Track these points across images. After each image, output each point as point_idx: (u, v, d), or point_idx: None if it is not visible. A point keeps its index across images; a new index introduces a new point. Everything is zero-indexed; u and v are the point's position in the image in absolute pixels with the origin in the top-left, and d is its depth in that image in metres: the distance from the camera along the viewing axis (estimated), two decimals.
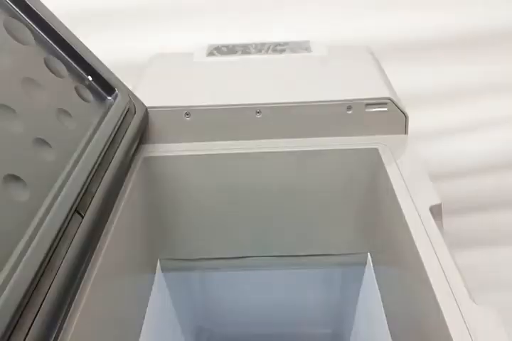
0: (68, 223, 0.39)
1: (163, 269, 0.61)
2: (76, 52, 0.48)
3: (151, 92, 0.59)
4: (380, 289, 0.55)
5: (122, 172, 0.52)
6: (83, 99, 0.48)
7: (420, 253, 0.39)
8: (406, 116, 0.55)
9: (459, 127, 0.87)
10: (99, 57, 0.51)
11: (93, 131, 0.47)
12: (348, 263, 0.63)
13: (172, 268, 0.62)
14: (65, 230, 0.38)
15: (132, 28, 0.80)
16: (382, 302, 0.54)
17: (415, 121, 0.57)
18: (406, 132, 0.56)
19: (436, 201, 0.45)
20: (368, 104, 0.55)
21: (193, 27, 0.79)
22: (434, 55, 0.82)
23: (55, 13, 0.48)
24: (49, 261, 0.35)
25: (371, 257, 0.60)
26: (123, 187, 0.51)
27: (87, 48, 0.50)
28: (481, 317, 0.33)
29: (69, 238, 0.38)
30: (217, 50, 0.69)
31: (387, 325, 0.51)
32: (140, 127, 0.55)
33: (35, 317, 0.31)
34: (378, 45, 0.71)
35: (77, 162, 0.45)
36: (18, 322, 0.30)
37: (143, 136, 0.56)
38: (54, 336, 0.32)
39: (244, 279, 0.82)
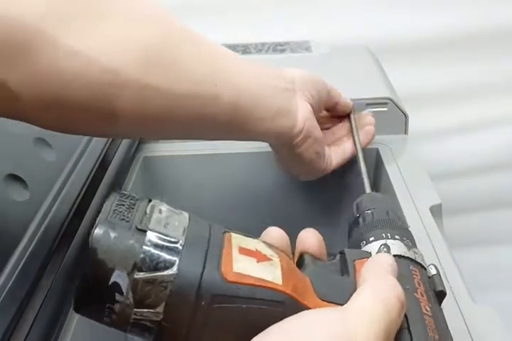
0: (69, 223, 0.39)
1: None
2: None
3: None
4: None
5: (122, 171, 0.52)
6: None
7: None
8: (406, 116, 0.55)
9: (459, 127, 0.87)
10: None
11: None
12: None
13: None
14: (65, 230, 0.38)
15: None
16: None
17: (415, 121, 0.57)
18: (406, 132, 0.56)
19: (436, 201, 0.45)
20: (368, 104, 0.55)
21: (193, 27, 0.79)
22: (434, 55, 0.82)
23: None
24: (49, 261, 0.35)
25: None
26: (123, 186, 0.51)
27: None
28: (481, 317, 0.33)
29: (69, 238, 0.38)
30: None
31: None
32: None
33: (36, 317, 0.31)
34: (378, 45, 0.71)
35: (77, 162, 0.45)
36: (18, 322, 0.30)
37: None
38: (54, 335, 0.32)
39: None
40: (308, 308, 0.24)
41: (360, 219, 0.35)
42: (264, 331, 0.22)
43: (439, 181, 0.57)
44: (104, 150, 0.50)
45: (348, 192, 0.57)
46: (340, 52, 0.67)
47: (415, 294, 0.27)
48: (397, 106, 0.55)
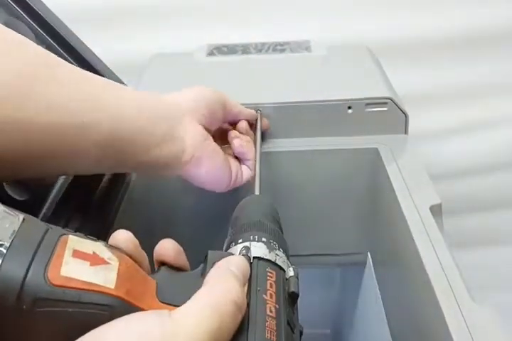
0: (69, 223, 0.39)
1: None
2: (76, 51, 0.48)
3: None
4: (380, 289, 0.55)
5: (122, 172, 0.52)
6: None
7: (420, 253, 0.39)
8: (406, 116, 0.55)
9: (459, 127, 0.87)
10: (99, 57, 0.51)
11: None
12: (348, 263, 0.63)
13: None
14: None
15: (132, 28, 0.80)
16: (382, 302, 0.54)
17: (415, 121, 0.57)
18: (406, 132, 0.56)
19: (436, 201, 0.45)
20: (368, 104, 0.55)
21: (193, 27, 0.79)
22: (435, 55, 0.82)
23: (56, 13, 0.48)
24: None
25: (371, 257, 0.60)
26: (123, 187, 0.51)
27: (87, 48, 0.50)
28: (481, 317, 0.33)
29: None
30: (217, 50, 0.69)
31: (387, 325, 0.51)
32: None
33: None
34: (378, 45, 0.71)
35: None
36: None
37: None
38: None
39: None
40: (143, 310, 0.24)
41: (238, 221, 0.36)
42: (82, 337, 0.22)
43: (439, 181, 0.57)
44: None
45: (349, 192, 0.57)
46: (340, 52, 0.67)
47: (264, 295, 0.27)
48: (397, 106, 0.55)
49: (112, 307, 0.23)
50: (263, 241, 0.32)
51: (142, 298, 0.25)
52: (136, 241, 0.27)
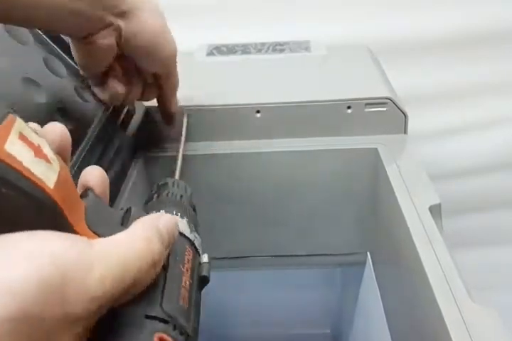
0: None
1: None
2: None
3: None
4: (379, 289, 0.55)
5: (122, 172, 0.52)
6: (83, 99, 0.48)
7: (420, 253, 0.39)
8: (406, 116, 0.55)
9: (459, 127, 0.87)
10: None
11: (93, 130, 0.47)
12: (348, 263, 0.63)
13: None
14: None
15: None
16: (382, 302, 0.54)
17: (415, 121, 0.57)
18: (406, 132, 0.56)
19: (435, 201, 0.45)
20: (367, 104, 0.55)
21: (193, 27, 0.79)
22: (435, 55, 0.82)
23: None
24: None
25: (371, 257, 0.60)
26: (123, 187, 0.51)
27: None
28: (481, 317, 0.33)
29: None
30: (217, 50, 0.69)
31: (387, 325, 0.51)
32: (139, 127, 0.55)
33: None
34: (378, 45, 0.71)
35: (76, 162, 0.45)
36: None
37: (142, 135, 0.56)
38: None
39: (243, 279, 0.82)
40: (70, 225, 0.23)
41: (155, 195, 0.36)
42: None
43: (439, 181, 0.57)
44: (104, 150, 0.50)
45: (349, 192, 0.57)
46: (340, 51, 0.67)
47: (181, 267, 0.27)
48: (397, 106, 0.55)
49: (42, 207, 0.21)
50: (185, 220, 0.32)
51: (73, 214, 0.23)
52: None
